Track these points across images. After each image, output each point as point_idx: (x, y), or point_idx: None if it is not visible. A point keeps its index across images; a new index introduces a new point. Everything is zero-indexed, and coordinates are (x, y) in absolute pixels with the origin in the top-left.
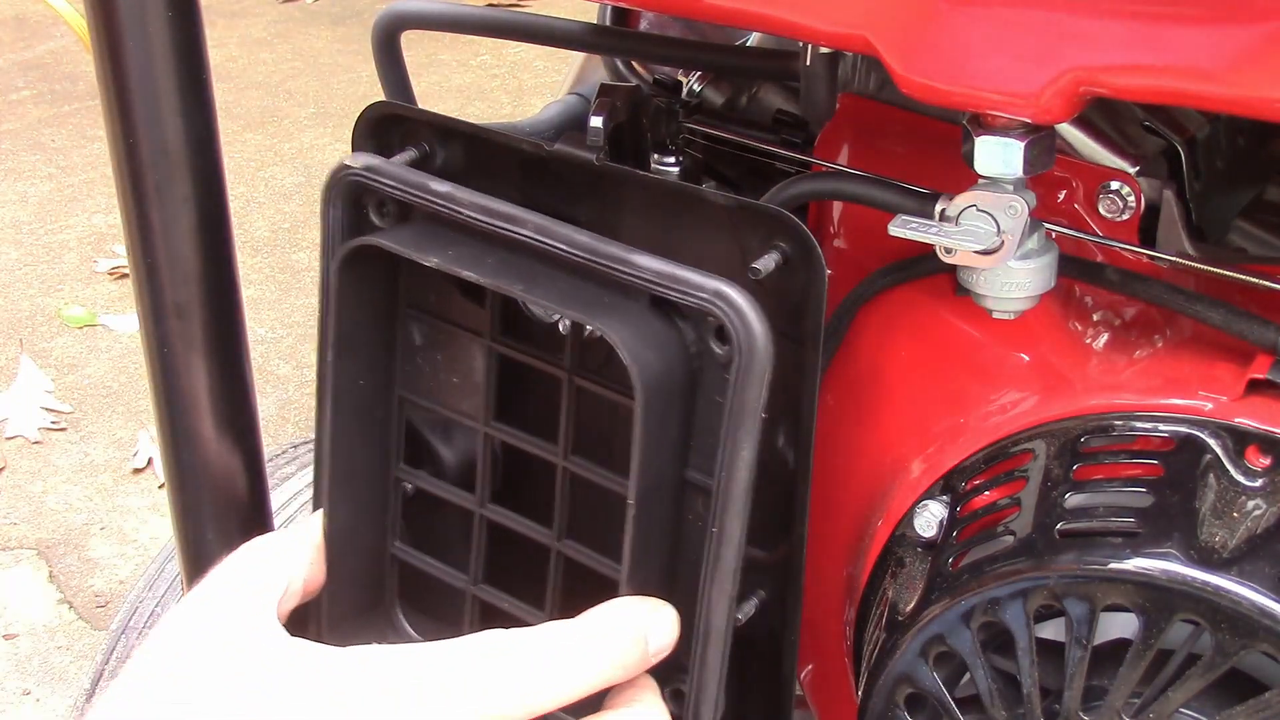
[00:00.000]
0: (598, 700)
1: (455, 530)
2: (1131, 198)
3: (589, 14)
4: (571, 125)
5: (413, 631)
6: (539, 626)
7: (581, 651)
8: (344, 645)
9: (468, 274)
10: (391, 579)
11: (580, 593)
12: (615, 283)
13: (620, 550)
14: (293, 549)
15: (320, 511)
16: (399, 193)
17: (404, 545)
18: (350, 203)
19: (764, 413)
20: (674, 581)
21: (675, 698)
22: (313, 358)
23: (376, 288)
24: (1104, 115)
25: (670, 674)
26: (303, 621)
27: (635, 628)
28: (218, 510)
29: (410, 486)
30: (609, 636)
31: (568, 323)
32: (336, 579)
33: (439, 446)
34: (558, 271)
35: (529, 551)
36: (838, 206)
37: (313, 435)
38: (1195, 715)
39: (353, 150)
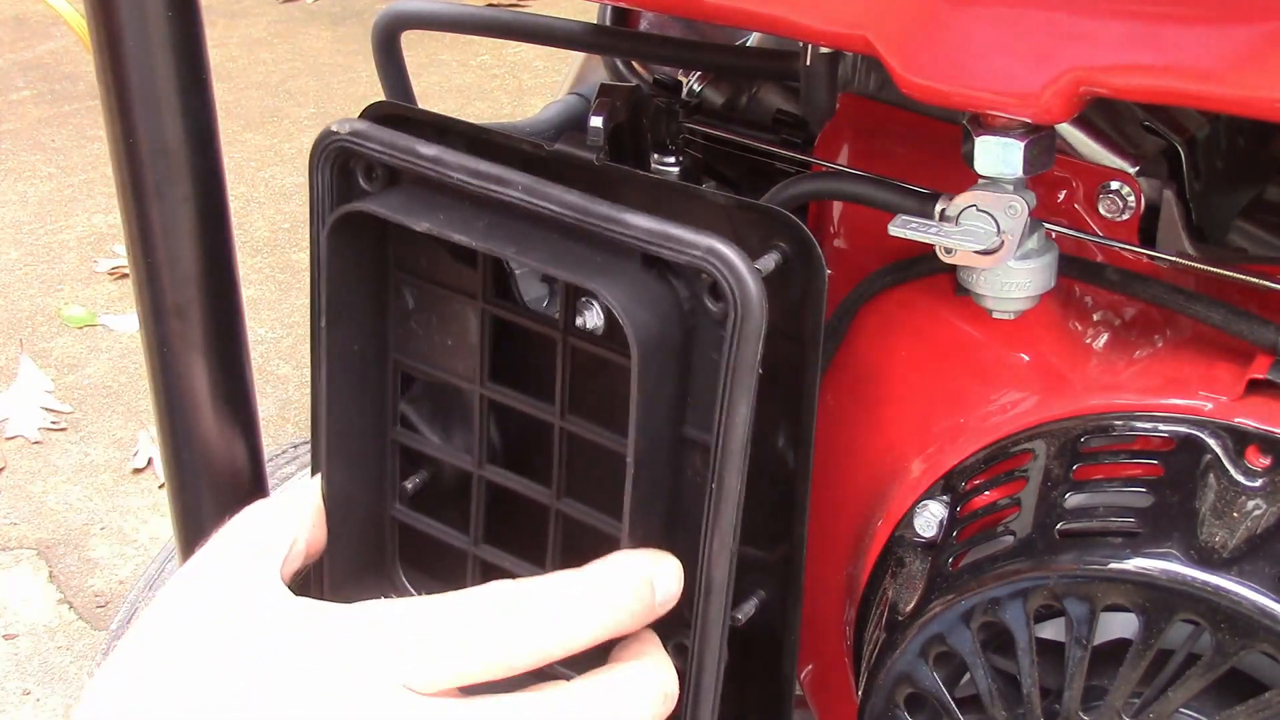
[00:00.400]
0: (601, 656)
1: (456, 493)
2: (1131, 198)
3: (589, 14)
4: (571, 125)
5: (414, 591)
6: (545, 576)
7: (590, 599)
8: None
9: (459, 238)
10: (392, 540)
11: (580, 553)
12: (607, 242)
13: (619, 508)
14: (294, 511)
15: (319, 475)
16: (387, 157)
17: (404, 507)
18: (338, 168)
19: (759, 368)
20: (673, 537)
21: (678, 652)
22: None
23: (367, 252)
24: (1104, 115)
25: (673, 629)
26: (305, 584)
27: (641, 576)
28: (218, 511)
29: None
30: (617, 585)
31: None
32: (337, 541)
33: (444, 416)
34: (549, 233)
35: (530, 514)
36: (838, 206)
37: None
38: (1195, 715)
39: None
